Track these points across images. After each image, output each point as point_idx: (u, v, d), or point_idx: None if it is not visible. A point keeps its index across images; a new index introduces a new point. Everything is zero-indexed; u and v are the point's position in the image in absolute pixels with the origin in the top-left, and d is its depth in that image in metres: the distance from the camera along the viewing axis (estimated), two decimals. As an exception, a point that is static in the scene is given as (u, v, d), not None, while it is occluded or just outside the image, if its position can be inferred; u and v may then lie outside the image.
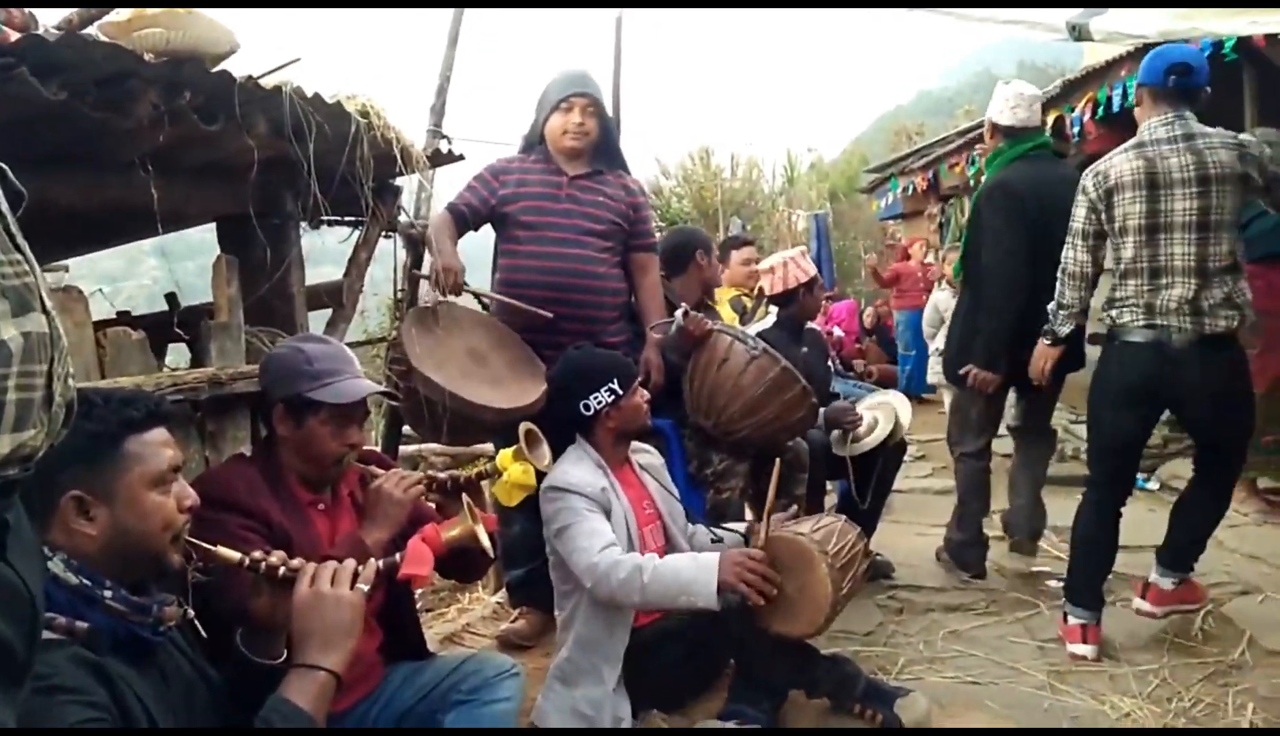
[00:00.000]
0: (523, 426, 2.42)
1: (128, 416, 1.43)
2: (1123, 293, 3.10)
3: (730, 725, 2.56)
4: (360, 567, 1.54)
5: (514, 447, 2.38)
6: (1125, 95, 6.49)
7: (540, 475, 2.53)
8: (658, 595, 2.49)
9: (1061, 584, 3.91)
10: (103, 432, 1.39)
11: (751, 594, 2.42)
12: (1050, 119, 7.81)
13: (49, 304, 0.96)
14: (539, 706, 2.73)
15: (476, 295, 3.35)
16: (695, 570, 2.47)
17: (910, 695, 2.72)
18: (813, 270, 4.19)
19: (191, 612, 1.52)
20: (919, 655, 3.29)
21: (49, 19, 2.31)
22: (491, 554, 2.11)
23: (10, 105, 1.96)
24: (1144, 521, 4.70)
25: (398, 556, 1.70)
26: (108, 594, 1.34)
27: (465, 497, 2.11)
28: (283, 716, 1.37)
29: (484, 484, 2.38)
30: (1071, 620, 3.27)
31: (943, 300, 6.53)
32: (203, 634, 1.55)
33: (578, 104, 3.40)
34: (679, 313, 3.39)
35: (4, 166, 0.98)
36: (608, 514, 2.67)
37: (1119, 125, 7.50)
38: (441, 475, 2.25)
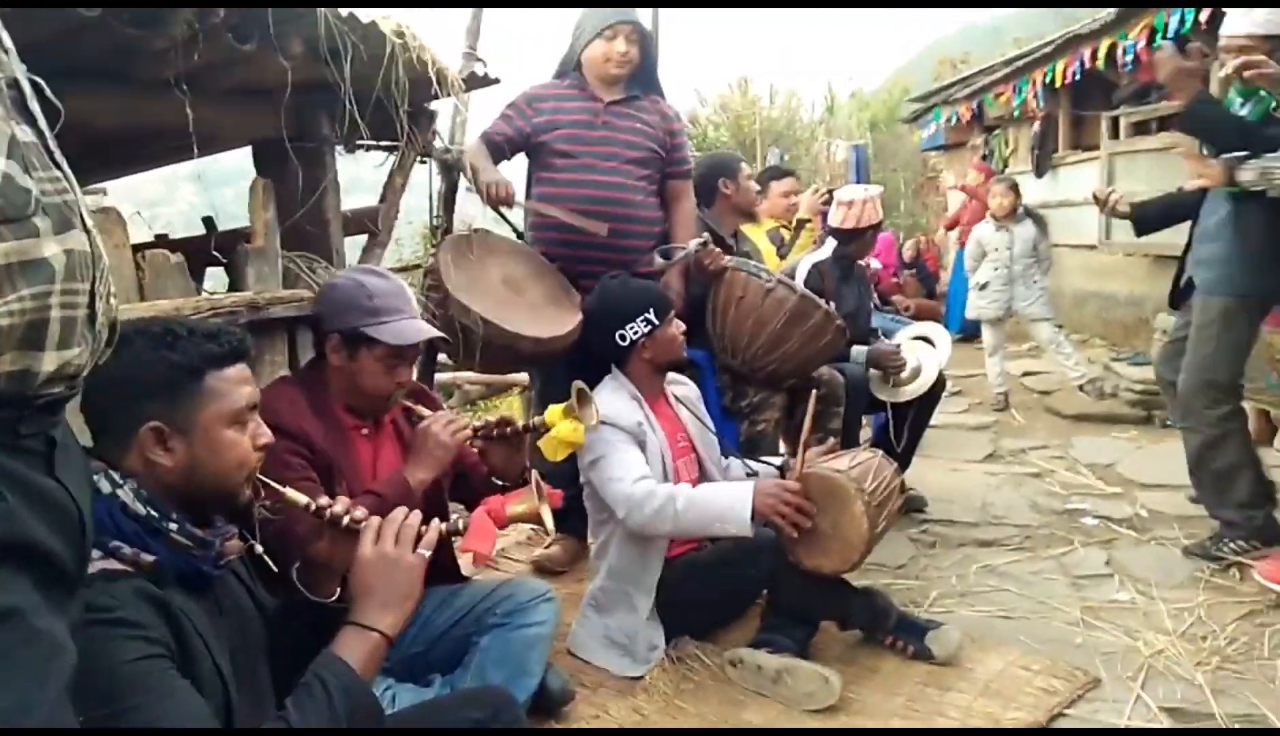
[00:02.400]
0: (575, 384, 2.38)
1: (210, 351, 1.41)
2: None
3: (762, 653, 2.58)
4: (423, 529, 1.52)
5: (564, 404, 2.35)
6: (1183, 22, 6.25)
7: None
8: (691, 523, 2.51)
9: (1097, 522, 3.90)
10: (185, 365, 1.38)
11: (785, 526, 2.44)
12: (1103, 47, 7.57)
13: (89, 222, 0.95)
14: (574, 633, 2.77)
15: (538, 210, 3.27)
16: (730, 498, 2.48)
17: (942, 628, 2.72)
18: (882, 214, 4.18)
19: (259, 547, 1.54)
20: (951, 589, 3.29)
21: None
22: (553, 534, 2.09)
23: (45, 20, 1.94)
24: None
25: (460, 523, 1.69)
26: (173, 527, 1.34)
27: (534, 475, 2.08)
28: (334, 674, 1.38)
29: (528, 436, 2.34)
30: None
31: (985, 234, 6.36)
32: (273, 567, 1.57)
33: (622, 32, 3.32)
34: (693, 243, 3.34)
35: (40, 81, 0.96)
36: (643, 446, 2.68)
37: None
38: (491, 419, 2.24)
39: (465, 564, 2.53)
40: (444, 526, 1.61)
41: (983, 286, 6.32)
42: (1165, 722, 2.38)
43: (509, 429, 2.26)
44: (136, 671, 1.21)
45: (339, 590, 1.60)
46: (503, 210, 3.29)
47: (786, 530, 2.45)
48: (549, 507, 2.02)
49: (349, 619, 1.46)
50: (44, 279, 0.87)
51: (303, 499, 1.55)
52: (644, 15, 3.61)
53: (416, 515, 1.54)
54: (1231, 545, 3.35)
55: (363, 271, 2.37)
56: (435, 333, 2.26)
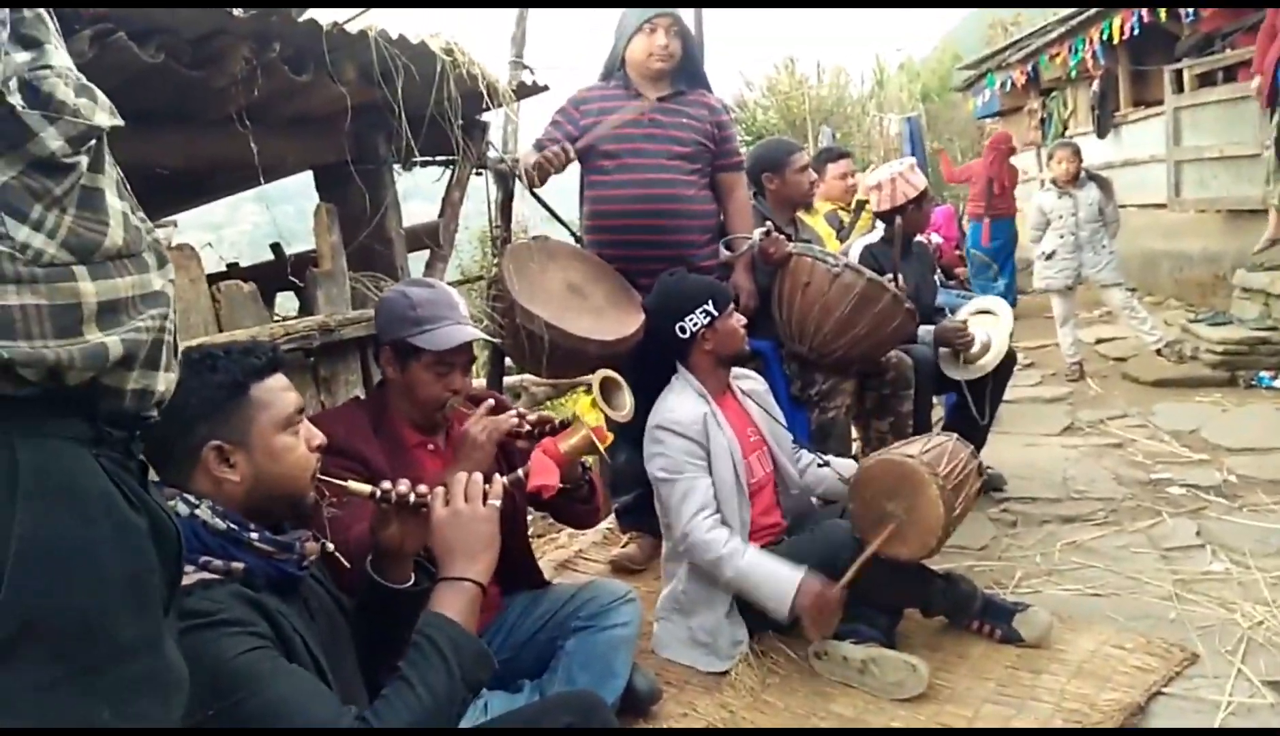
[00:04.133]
0: (599, 374, 2.33)
1: (250, 364, 1.49)
2: None
3: (847, 643, 2.56)
4: (487, 487, 1.58)
5: (590, 397, 2.34)
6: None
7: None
8: (736, 591, 2.64)
9: (1184, 491, 3.79)
10: (229, 383, 1.46)
11: (812, 633, 2.57)
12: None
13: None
14: (656, 634, 2.79)
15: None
16: (774, 586, 2.55)
17: (1029, 609, 2.68)
18: (922, 183, 4.00)
19: (331, 546, 1.60)
20: (1036, 568, 3.23)
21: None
22: (608, 459, 2.13)
23: (111, 70, 2.00)
24: (1275, 422, 4.52)
25: (521, 471, 1.73)
26: (254, 536, 1.42)
27: (581, 405, 2.12)
28: (436, 627, 1.44)
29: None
30: None
31: (1047, 201, 6.19)
32: (347, 563, 1.62)
33: (661, 25, 3.32)
34: (758, 232, 3.33)
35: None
36: (707, 450, 2.69)
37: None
38: (531, 417, 2.24)
39: (547, 568, 2.56)
40: (506, 479, 1.68)
41: (1049, 255, 6.16)
42: (1269, 697, 2.31)
43: (547, 425, 2.27)
44: (248, 661, 1.28)
45: (413, 575, 1.67)
46: (559, 216, 3.32)
47: (811, 635, 2.57)
48: (598, 439, 2.04)
49: (439, 576, 1.52)
50: (160, 306, 0.94)
51: (366, 488, 1.60)
52: (685, 13, 3.60)
53: (478, 474, 1.61)
54: None
55: (408, 282, 2.40)
56: (477, 335, 2.26)
